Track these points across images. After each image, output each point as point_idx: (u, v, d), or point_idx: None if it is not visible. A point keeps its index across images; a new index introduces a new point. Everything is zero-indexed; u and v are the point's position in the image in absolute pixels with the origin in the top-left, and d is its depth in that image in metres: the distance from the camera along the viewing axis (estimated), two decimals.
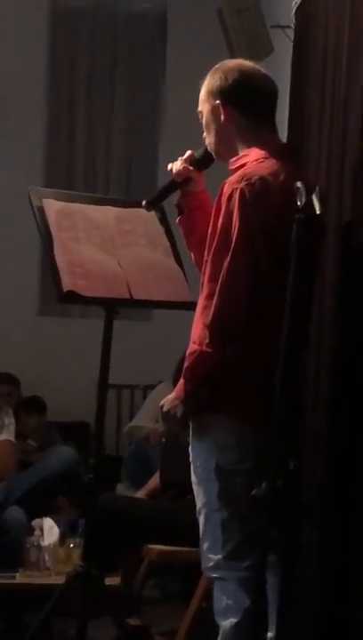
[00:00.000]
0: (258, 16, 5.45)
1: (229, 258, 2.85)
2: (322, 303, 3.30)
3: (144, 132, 7.71)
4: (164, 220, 3.79)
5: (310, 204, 2.65)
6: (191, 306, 3.17)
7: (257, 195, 2.86)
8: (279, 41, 5.07)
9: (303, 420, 3.29)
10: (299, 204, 2.64)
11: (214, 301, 2.85)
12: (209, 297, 2.87)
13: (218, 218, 2.90)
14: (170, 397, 2.98)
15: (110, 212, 3.83)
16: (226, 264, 2.85)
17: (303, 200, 2.63)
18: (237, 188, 2.87)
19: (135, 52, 7.69)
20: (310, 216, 2.65)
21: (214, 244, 2.89)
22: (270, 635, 2.84)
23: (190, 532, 3.18)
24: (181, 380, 2.95)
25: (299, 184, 2.66)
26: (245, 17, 5.44)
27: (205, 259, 2.94)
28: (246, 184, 2.87)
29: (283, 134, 3.83)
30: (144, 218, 3.74)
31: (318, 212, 2.66)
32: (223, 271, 2.85)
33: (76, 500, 5.40)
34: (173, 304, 3.74)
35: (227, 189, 2.90)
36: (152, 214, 3.72)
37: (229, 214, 2.87)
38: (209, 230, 2.94)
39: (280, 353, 2.64)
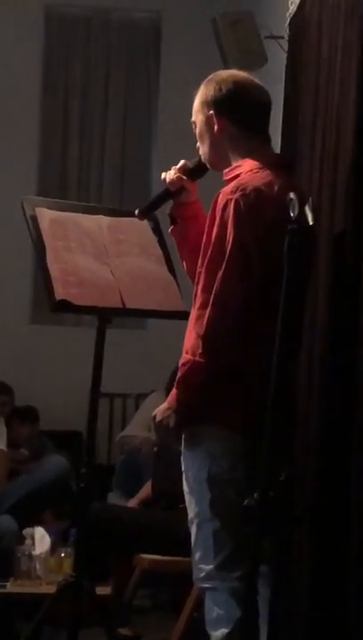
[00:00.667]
0: (252, 27, 5.46)
1: (222, 268, 2.85)
2: (314, 313, 3.30)
3: (138, 140, 7.72)
4: (157, 230, 3.79)
5: (302, 214, 2.65)
6: (184, 315, 3.16)
7: (252, 206, 2.86)
8: (273, 52, 5.09)
9: (295, 429, 3.28)
10: (292, 214, 2.65)
11: (208, 312, 2.85)
12: (202, 307, 2.87)
13: (212, 228, 2.90)
14: (162, 407, 2.98)
15: (103, 221, 3.82)
16: (220, 275, 2.85)
17: (296, 211, 2.64)
18: (231, 199, 2.87)
19: (129, 61, 7.70)
20: (303, 227, 2.65)
21: (209, 255, 2.89)
22: None
23: (182, 541, 3.18)
24: (174, 390, 2.94)
25: (292, 195, 2.67)
26: (239, 27, 5.45)
27: (198, 269, 2.94)
28: (241, 195, 2.87)
29: (277, 145, 3.85)
30: (137, 227, 3.74)
31: (310, 223, 2.67)
32: (217, 282, 2.85)
33: (67, 509, 5.39)
34: (166, 313, 3.73)
35: (221, 200, 2.89)
36: (145, 223, 3.72)
37: (223, 225, 2.87)
38: (203, 240, 2.93)
39: (273, 362, 2.64)
